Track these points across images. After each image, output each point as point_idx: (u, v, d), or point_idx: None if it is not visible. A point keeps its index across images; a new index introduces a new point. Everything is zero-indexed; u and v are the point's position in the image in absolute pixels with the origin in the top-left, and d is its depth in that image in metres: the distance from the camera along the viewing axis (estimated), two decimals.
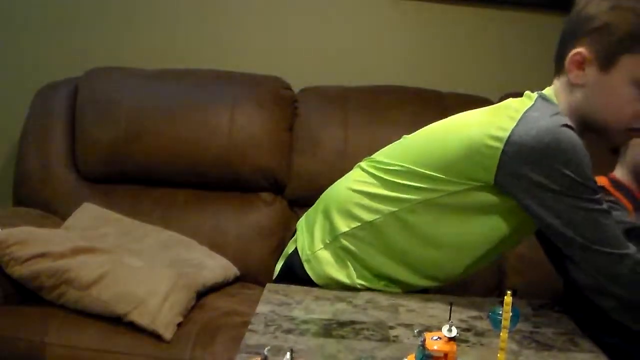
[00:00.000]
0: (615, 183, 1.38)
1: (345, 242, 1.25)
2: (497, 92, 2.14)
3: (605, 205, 1.09)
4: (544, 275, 1.45)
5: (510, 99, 1.21)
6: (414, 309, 1.15)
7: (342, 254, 1.25)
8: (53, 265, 1.58)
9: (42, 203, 2.05)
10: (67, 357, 1.52)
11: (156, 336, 1.53)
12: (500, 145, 1.09)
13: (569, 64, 1.14)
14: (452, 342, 0.85)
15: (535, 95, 1.18)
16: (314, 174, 2.05)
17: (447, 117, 1.27)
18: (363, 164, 1.32)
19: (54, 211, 2.02)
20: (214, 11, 2.30)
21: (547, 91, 1.20)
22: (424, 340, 0.85)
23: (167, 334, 1.54)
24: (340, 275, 1.24)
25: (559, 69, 1.18)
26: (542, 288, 1.63)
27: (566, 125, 1.08)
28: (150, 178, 2.09)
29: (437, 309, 1.16)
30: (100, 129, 2.06)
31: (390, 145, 1.32)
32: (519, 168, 1.08)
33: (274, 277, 1.39)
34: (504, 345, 0.89)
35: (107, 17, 2.30)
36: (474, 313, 1.15)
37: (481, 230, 1.17)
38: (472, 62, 2.28)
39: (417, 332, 1.01)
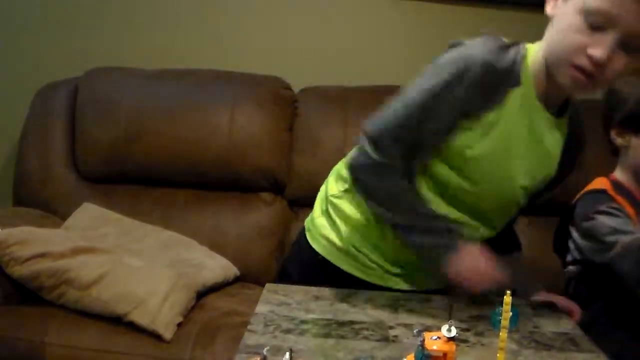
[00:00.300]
0: (617, 185, 1.37)
1: (335, 202, 1.29)
2: None
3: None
4: (545, 275, 1.45)
5: None
6: (413, 309, 1.15)
7: (334, 215, 1.29)
8: (53, 265, 1.58)
9: (42, 203, 2.05)
10: (67, 357, 1.52)
11: (156, 336, 1.53)
12: None
13: None
14: (451, 342, 0.85)
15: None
16: (314, 174, 2.04)
17: None
18: None
19: (54, 211, 2.02)
20: (214, 11, 2.30)
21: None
22: (423, 340, 0.85)
23: (167, 334, 1.54)
24: (332, 236, 1.28)
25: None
26: None
27: (483, 60, 1.08)
28: (150, 178, 2.09)
29: (437, 309, 1.16)
30: (100, 129, 2.06)
31: None
32: None
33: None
34: (504, 345, 0.89)
35: (107, 17, 2.30)
36: (474, 313, 1.15)
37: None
38: None
39: (416, 332, 1.01)
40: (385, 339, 1.01)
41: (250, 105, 2.08)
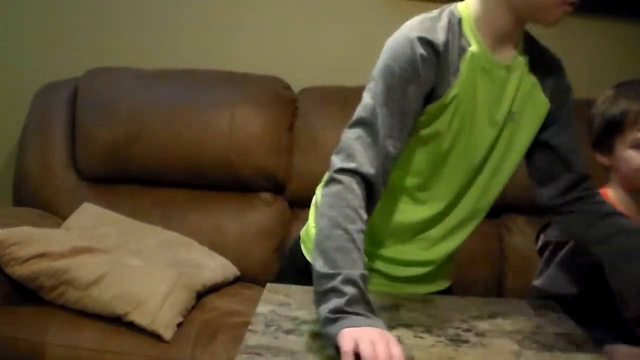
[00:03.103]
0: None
1: None
2: None
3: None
4: None
5: None
6: (414, 309, 1.15)
7: None
8: (53, 265, 1.58)
9: (42, 203, 2.05)
10: (67, 357, 1.52)
11: (156, 336, 1.53)
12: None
13: None
14: None
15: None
16: (314, 174, 2.03)
17: None
18: None
19: (54, 211, 2.02)
20: (213, 11, 2.30)
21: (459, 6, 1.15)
22: None
23: (167, 334, 1.54)
24: None
25: None
26: None
27: (419, 38, 1.06)
28: (150, 178, 2.09)
29: (437, 309, 1.16)
30: (100, 129, 2.06)
31: None
32: None
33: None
34: None
35: (107, 17, 2.30)
36: (474, 313, 1.15)
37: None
38: None
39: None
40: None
41: (250, 105, 2.08)
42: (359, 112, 1.12)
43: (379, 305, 1.15)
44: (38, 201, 2.05)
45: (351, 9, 2.29)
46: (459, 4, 1.14)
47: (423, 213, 1.20)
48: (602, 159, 1.33)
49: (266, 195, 2.10)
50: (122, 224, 1.94)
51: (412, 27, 1.10)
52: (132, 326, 1.54)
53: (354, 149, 1.08)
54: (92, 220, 1.93)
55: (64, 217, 1.96)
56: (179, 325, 1.58)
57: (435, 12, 1.13)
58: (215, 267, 1.85)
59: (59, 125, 2.12)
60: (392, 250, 1.23)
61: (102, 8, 2.30)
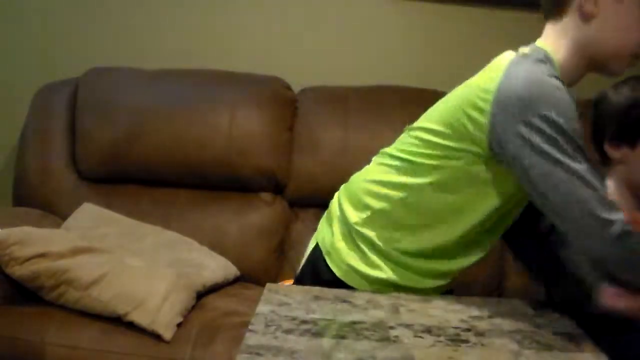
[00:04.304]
0: None
1: (360, 230, 1.26)
2: None
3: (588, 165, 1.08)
4: None
5: (500, 56, 1.22)
6: (414, 309, 1.15)
7: (361, 245, 1.26)
8: (53, 265, 1.58)
9: (42, 203, 2.05)
10: (67, 357, 1.52)
11: (156, 336, 1.53)
12: (488, 106, 1.10)
13: None
14: None
15: (526, 49, 1.18)
16: (314, 174, 2.05)
17: None
18: (376, 156, 1.34)
19: (54, 211, 2.02)
20: (213, 11, 2.30)
21: (538, 42, 1.21)
22: None
23: (167, 334, 1.54)
24: (358, 264, 1.26)
25: (555, 12, 1.19)
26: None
27: (554, 77, 1.09)
28: (150, 178, 2.09)
29: (437, 309, 1.16)
30: (100, 129, 2.06)
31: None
32: (507, 124, 1.08)
33: (295, 276, 1.39)
34: None
35: (107, 17, 2.30)
36: (474, 313, 1.15)
37: (475, 202, 1.20)
38: (472, 62, 2.27)
39: None
40: (386, 339, 1.01)
41: (250, 105, 2.08)
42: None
43: (380, 305, 1.15)
44: (38, 201, 2.05)
45: (351, 9, 2.29)
46: (546, 46, 1.18)
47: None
48: (614, 152, 1.32)
49: (266, 195, 2.10)
50: (122, 224, 1.94)
51: (542, 72, 1.11)
52: (132, 326, 1.54)
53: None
54: (92, 220, 1.93)
55: (64, 217, 1.96)
56: (179, 325, 1.58)
57: (535, 54, 1.16)
58: (215, 267, 1.85)
59: (59, 125, 2.12)
60: (441, 263, 1.27)
61: (102, 8, 2.30)
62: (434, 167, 1.19)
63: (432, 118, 1.23)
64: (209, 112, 2.06)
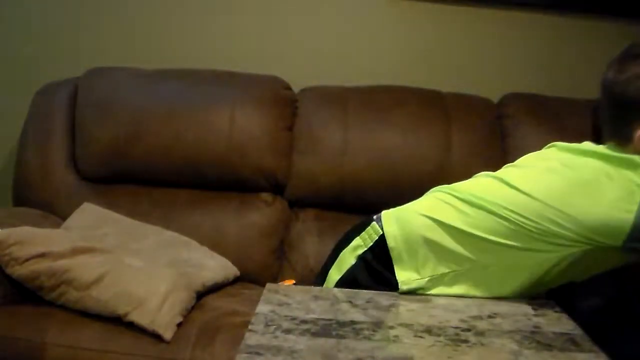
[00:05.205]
0: None
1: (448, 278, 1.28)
2: (497, 92, 2.14)
3: None
4: None
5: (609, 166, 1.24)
6: (414, 309, 1.15)
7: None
8: (53, 266, 1.58)
9: (42, 203, 2.05)
10: (67, 357, 1.52)
11: (156, 336, 1.53)
12: (632, 217, 1.17)
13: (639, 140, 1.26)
14: None
15: (628, 156, 1.23)
16: (314, 174, 2.05)
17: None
18: (460, 204, 1.32)
19: (54, 211, 2.02)
20: (213, 11, 2.30)
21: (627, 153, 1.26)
22: None
23: (167, 334, 1.54)
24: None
25: (615, 138, 1.30)
26: None
27: None
28: (150, 178, 2.09)
29: (437, 308, 1.16)
30: (100, 129, 2.06)
31: (486, 184, 1.35)
32: None
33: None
34: None
35: (107, 17, 2.30)
36: (474, 313, 1.15)
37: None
38: (472, 62, 2.28)
39: None
40: (386, 339, 1.01)
41: (250, 105, 2.08)
42: None
43: (379, 305, 1.15)
44: (38, 201, 2.05)
45: (352, 9, 2.29)
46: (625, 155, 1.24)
47: None
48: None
49: (266, 195, 2.10)
50: (122, 224, 1.94)
51: None
52: (132, 326, 1.54)
53: None
54: (92, 220, 1.93)
55: (64, 217, 1.96)
56: (179, 325, 1.58)
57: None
58: (215, 267, 1.85)
59: (59, 125, 2.12)
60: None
61: (102, 8, 2.30)
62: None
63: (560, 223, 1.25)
64: (208, 112, 2.06)
